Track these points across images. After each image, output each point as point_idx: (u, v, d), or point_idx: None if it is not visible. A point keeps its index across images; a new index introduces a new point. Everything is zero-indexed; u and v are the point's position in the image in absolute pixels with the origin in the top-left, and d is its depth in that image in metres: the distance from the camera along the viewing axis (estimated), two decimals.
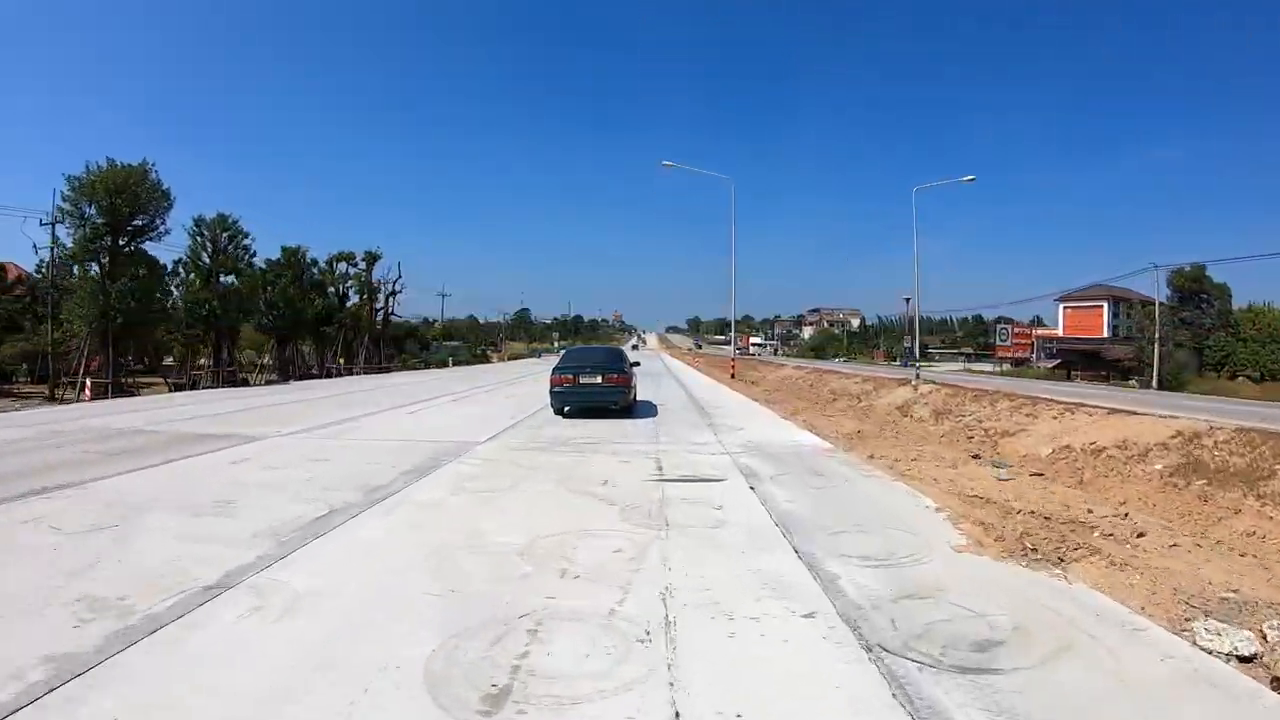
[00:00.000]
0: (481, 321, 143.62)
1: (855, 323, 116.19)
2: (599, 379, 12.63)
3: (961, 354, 79.24)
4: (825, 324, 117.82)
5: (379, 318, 43.39)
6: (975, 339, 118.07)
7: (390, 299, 44.14)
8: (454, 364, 48.84)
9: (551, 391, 12.56)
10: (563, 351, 20.12)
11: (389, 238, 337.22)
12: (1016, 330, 53.38)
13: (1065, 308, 54.88)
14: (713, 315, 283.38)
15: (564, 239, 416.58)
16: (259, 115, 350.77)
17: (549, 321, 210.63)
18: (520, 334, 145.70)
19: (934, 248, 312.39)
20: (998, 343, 53.37)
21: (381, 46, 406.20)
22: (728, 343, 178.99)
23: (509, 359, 73.80)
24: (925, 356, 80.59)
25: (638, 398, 15.12)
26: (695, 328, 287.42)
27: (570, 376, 12.56)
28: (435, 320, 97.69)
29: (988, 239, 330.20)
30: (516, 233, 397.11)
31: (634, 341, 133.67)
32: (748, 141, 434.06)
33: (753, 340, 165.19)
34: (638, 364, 15.66)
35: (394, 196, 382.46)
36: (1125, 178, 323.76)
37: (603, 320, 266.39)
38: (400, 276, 43.66)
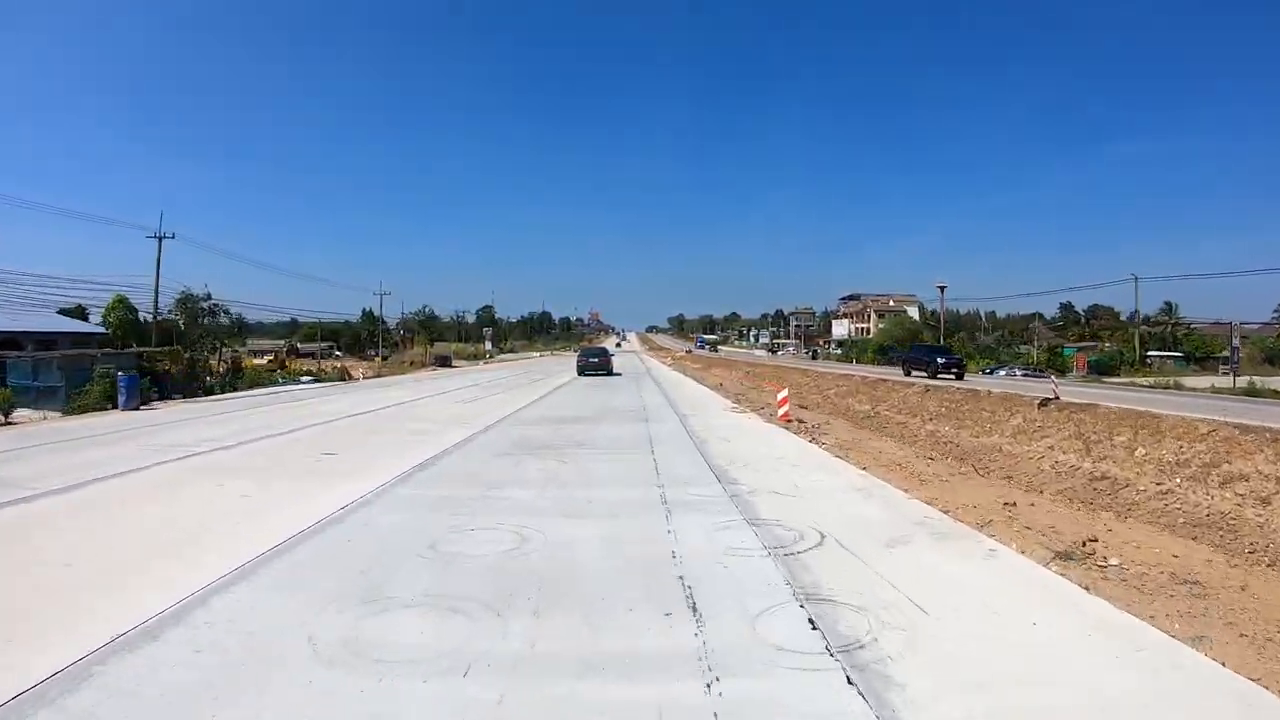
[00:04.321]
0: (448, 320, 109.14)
1: (912, 312, 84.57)
2: (597, 360, 31.37)
3: (1170, 356, 47.54)
4: (871, 314, 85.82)
5: None
6: (1072, 328, 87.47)
7: None
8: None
9: (577, 365, 31.57)
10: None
11: (373, 240, 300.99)
12: None
13: None
14: (696, 313, 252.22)
15: (540, 236, 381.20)
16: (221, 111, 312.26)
17: (514, 320, 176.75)
18: (474, 335, 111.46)
19: (913, 244, 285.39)
20: None
21: (342, 44, 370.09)
22: (722, 342, 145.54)
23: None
24: (1143, 363, 48.86)
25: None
26: (679, 326, 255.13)
27: (585, 360, 31.67)
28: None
29: (973, 231, 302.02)
30: (491, 230, 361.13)
31: (617, 341, 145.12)
32: (730, 140, 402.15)
33: (759, 341, 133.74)
34: (614, 355, 38.89)
35: (371, 196, 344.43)
36: (1097, 172, 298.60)
37: (578, 320, 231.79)
38: None
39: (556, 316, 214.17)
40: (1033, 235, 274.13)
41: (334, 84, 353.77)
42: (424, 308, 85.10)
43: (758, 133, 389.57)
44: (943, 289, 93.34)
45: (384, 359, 57.28)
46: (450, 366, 55.35)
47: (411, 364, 54.69)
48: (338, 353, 62.46)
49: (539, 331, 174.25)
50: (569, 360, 57.26)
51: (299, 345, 60.62)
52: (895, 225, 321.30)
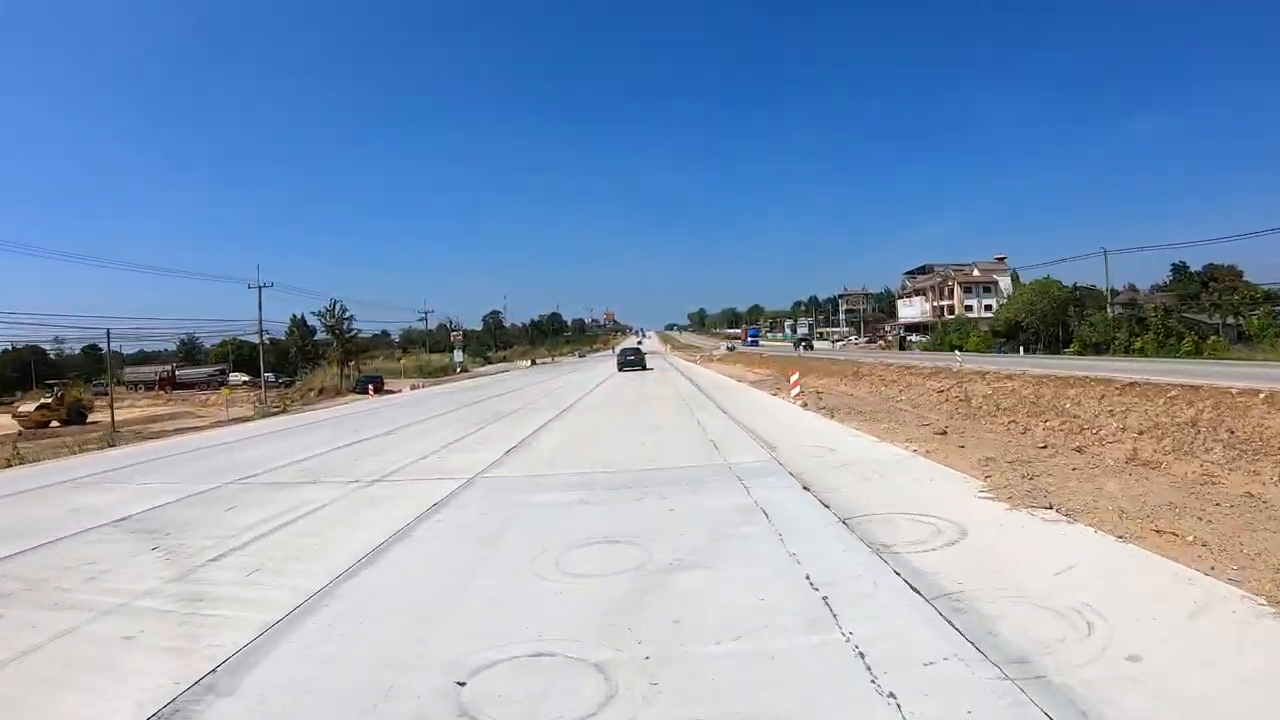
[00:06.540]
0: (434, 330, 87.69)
1: (1004, 283, 65.18)
2: (634, 357, 41.04)
3: None
4: (955, 289, 66.07)
5: None
6: (1192, 297, 67.64)
7: None
8: None
9: (617, 362, 40.90)
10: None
11: (367, 243, 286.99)
12: None
13: None
14: (714, 309, 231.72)
15: (551, 239, 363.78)
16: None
17: (523, 325, 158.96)
18: (478, 343, 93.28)
19: (932, 232, 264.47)
20: None
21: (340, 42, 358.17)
22: (756, 338, 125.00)
23: None
24: None
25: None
26: (700, 322, 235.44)
27: (624, 358, 41.03)
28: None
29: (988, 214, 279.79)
30: (502, 235, 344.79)
31: (638, 340, 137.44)
32: (749, 135, 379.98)
33: (797, 327, 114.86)
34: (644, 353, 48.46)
35: (366, 197, 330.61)
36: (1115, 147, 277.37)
37: (592, 321, 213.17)
38: None
39: (569, 318, 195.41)
40: (1055, 217, 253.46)
41: (345, 82, 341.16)
42: (334, 304, 49.99)
43: (771, 130, 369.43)
44: (1001, 259, 73.78)
45: (286, 384, 39.18)
46: (380, 393, 37.30)
47: (321, 392, 36.78)
48: (241, 377, 45.03)
49: (547, 335, 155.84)
50: (565, 375, 40.46)
51: (176, 372, 43.15)
52: (909, 214, 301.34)
